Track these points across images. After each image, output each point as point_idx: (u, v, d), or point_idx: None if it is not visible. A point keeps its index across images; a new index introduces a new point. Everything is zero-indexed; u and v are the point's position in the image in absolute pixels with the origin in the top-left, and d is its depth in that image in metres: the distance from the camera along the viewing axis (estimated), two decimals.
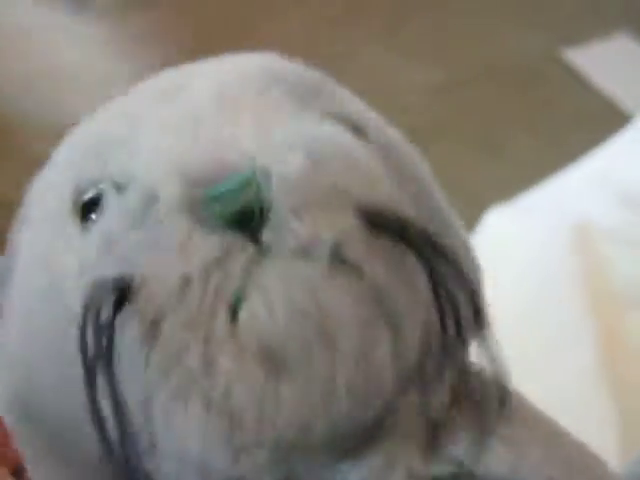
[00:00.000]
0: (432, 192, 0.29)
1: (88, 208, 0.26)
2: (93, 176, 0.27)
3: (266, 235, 0.24)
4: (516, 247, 0.55)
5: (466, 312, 0.26)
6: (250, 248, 0.24)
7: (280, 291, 0.23)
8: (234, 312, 0.23)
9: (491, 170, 1.21)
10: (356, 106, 0.30)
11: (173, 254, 0.24)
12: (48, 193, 0.28)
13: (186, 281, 0.23)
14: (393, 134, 0.30)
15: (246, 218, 0.24)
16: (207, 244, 0.24)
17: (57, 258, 0.26)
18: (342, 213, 0.25)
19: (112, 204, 0.25)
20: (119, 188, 0.25)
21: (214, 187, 0.24)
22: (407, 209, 0.26)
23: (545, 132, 1.37)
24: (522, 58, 1.55)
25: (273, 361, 0.23)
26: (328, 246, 0.24)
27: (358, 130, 0.28)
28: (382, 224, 0.25)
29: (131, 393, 0.24)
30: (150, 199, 0.24)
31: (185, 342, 0.23)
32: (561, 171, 0.68)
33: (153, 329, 0.23)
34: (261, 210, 0.24)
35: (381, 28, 1.45)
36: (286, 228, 0.24)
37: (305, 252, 0.24)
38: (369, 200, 0.25)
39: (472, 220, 0.57)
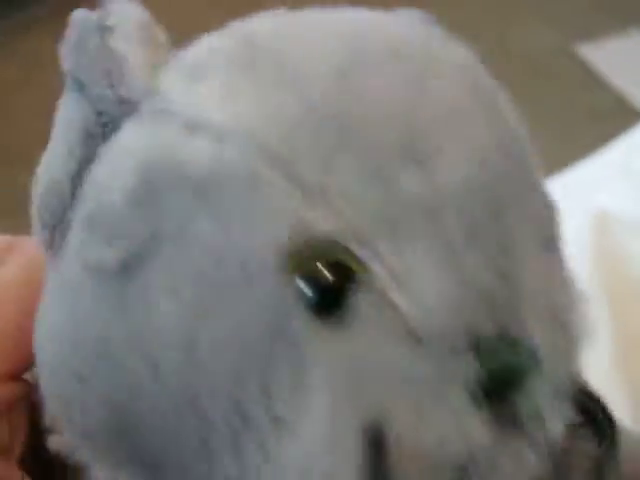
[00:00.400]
0: None
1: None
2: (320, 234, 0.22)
3: (520, 412, 0.23)
4: None
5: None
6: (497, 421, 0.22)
7: (508, 471, 0.23)
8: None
9: None
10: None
11: (443, 430, 0.22)
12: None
13: (444, 459, 0.22)
14: None
15: (505, 389, 0.22)
16: (478, 428, 0.22)
17: None
18: (567, 412, 0.24)
19: (374, 319, 0.22)
20: (370, 285, 0.22)
21: (493, 360, 0.22)
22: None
23: (557, 127, 1.36)
24: (536, 52, 1.54)
25: None
26: (549, 443, 0.23)
27: None
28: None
29: None
30: (440, 361, 0.22)
31: None
32: (574, 165, 0.67)
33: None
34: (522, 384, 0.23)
35: None
36: (534, 416, 0.23)
37: (532, 441, 0.23)
38: (578, 392, 0.24)
39: None
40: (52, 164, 0.25)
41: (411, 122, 0.23)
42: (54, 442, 0.27)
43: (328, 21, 0.26)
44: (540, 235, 0.24)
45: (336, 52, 0.24)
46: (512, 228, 0.23)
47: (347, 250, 0.21)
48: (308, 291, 0.21)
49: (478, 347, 0.22)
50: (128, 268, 0.23)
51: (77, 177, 0.24)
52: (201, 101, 0.23)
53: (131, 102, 0.24)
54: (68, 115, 0.25)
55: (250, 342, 0.22)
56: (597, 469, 0.27)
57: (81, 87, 0.24)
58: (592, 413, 0.26)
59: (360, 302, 0.21)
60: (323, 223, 0.21)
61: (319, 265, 0.21)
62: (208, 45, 0.25)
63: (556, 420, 0.23)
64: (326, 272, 0.21)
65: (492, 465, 0.22)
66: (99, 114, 0.24)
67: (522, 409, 0.22)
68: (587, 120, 1.40)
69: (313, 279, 0.21)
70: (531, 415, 0.23)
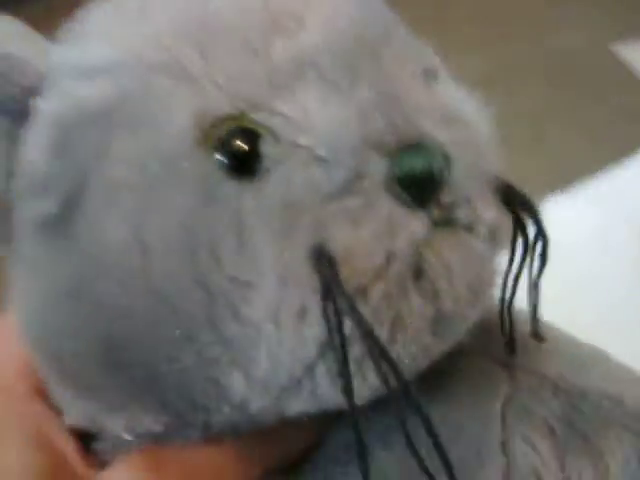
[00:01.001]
0: None
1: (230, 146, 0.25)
2: (221, 113, 0.26)
3: (444, 205, 0.25)
4: (573, 231, 0.55)
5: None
6: (428, 219, 0.25)
7: (458, 263, 0.25)
8: (419, 275, 0.25)
9: (538, 162, 1.20)
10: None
11: (379, 231, 0.24)
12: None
13: (391, 258, 0.24)
14: None
15: (426, 187, 0.25)
16: (411, 223, 0.25)
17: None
18: (495, 199, 0.27)
19: (287, 162, 0.25)
20: (276, 139, 0.25)
21: (407, 159, 0.25)
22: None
23: (593, 125, 1.35)
24: (573, 50, 1.53)
25: (441, 326, 0.25)
26: (488, 228, 0.26)
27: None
28: (510, 204, 0.27)
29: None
30: (351, 172, 0.25)
31: (381, 313, 0.25)
32: (609, 165, 0.67)
33: (355, 298, 0.24)
34: (437, 183, 0.25)
35: (429, 13, 1.43)
36: (457, 206, 0.25)
37: (470, 230, 0.26)
38: (502, 182, 0.27)
39: None
40: None
41: (270, 6, 0.27)
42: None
43: None
44: (418, 67, 0.27)
45: None
46: (390, 62, 0.26)
47: (246, 117, 0.25)
48: (226, 160, 0.25)
49: (387, 156, 0.25)
50: (67, 211, 0.26)
51: (10, 172, 0.27)
52: (85, 49, 0.27)
53: (34, 87, 0.27)
54: None
55: (188, 220, 0.25)
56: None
57: None
58: (517, 205, 0.28)
59: (272, 153, 0.25)
60: (219, 104, 0.25)
61: (228, 137, 0.25)
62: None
63: (485, 205, 0.26)
64: (236, 140, 0.25)
65: (440, 260, 0.25)
66: (15, 115, 0.27)
67: (449, 202, 0.25)
68: (623, 118, 1.39)
69: (227, 150, 0.25)
70: (459, 204, 0.25)
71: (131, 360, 0.26)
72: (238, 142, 0.25)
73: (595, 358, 0.32)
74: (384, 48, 0.27)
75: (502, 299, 0.29)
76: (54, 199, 0.26)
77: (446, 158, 0.25)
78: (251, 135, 0.25)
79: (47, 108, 0.27)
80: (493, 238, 0.26)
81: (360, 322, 0.24)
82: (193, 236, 0.25)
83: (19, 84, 0.27)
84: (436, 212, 0.25)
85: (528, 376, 0.30)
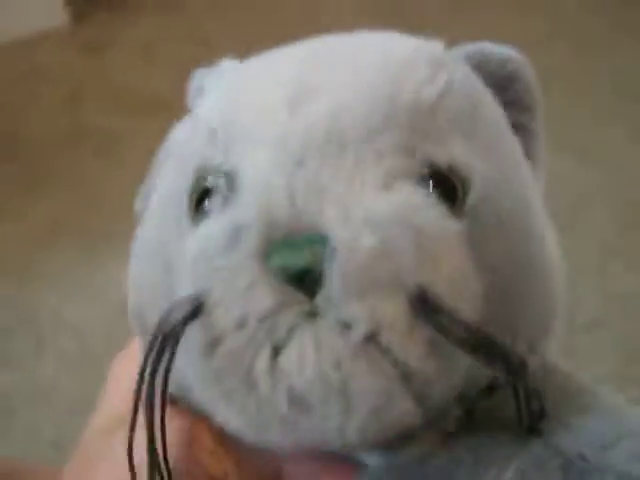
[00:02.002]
0: (526, 260, 0.30)
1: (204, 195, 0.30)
2: (214, 163, 0.30)
3: (318, 300, 0.27)
4: None
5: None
6: (302, 306, 0.27)
7: (311, 354, 0.27)
8: (277, 353, 0.27)
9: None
10: (469, 138, 0.30)
11: (241, 293, 0.27)
12: (184, 151, 0.32)
13: (245, 319, 0.27)
14: (505, 180, 0.30)
15: (305, 279, 0.27)
16: (268, 294, 0.27)
17: (169, 239, 0.31)
18: (390, 300, 0.26)
19: (216, 211, 0.29)
20: (231, 188, 0.29)
21: (286, 244, 0.27)
22: (467, 305, 0.27)
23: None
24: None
25: (297, 402, 0.27)
26: (363, 329, 0.26)
27: (460, 182, 0.29)
28: (428, 315, 0.27)
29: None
30: (239, 233, 0.28)
31: (233, 365, 0.27)
32: None
33: (213, 345, 0.28)
34: (320, 276, 0.27)
35: None
36: (334, 301, 0.27)
37: (345, 328, 0.27)
38: (426, 293, 0.27)
39: None
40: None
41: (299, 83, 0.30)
42: None
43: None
44: (387, 166, 0.28)
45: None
46: (351, 157, 0.28)
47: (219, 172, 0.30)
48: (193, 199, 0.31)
49: (273, 239, 0.27)
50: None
51: None
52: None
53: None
54: None
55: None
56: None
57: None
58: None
59: (213, 203, 0.29)
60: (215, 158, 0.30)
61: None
62: None
63: (357, 312, 0.26)
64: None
65: (295, 345, 0.27)
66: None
67: (321, 299, 0.27)
68: None
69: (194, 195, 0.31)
70: (326, 300, 0.27)
71: None
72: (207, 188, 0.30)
73: (626, 431, 0.30)
74: (362, 144, 0.29)
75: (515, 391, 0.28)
76: None
77: (331, 256, 0.26)
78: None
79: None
80: (377, 351, 0.26)
81: None
82: (160, 247, 0.32)
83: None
84: (313, 304, 0.27)
85: (545, 450, 0.29)
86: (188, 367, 0.29)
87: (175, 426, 0.31)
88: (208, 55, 0.37)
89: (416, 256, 0.27)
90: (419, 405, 0.28)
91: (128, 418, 0.29)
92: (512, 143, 0.32)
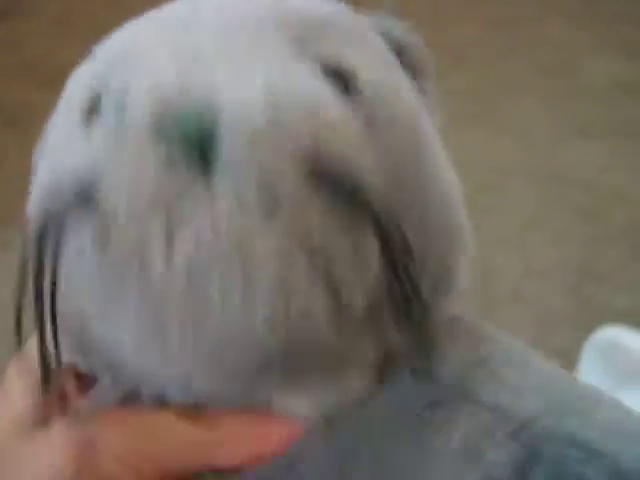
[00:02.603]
0: (417, 163, 0.29)
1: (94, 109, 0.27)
2: (103, 83, 0.27)
3: (211, 174, 0.25)
4: None
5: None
6: (195, 182, 0.25)
7: (207, 228, 0.25)
8: (171, 234, 0.25)
9: None
10: (360, 50, 0.29)
11: (133, 172, 0.25)
12: (76, 87, 0.29)
13: (136, 199, 0.25)
14: (394, 87, 0.29)
15: (198, 144, 0.25)
16: (158, 166, 0.25)
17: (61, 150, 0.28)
18: (283, 159, 0.25)
19: (104, 113, 0.26)
20: (116, 99, 0.26)
21: (178, 113, 0.25)
22: (368, 174, 0.26)
23: None
24: None
25: (197, 287, 0.25)
26: (261, 200, 0.25)
27: (347, 80, 0.28)
28: (327, 178, 0.25)
29: (71, 284, 0.27)
30: (123, 112, 0.26)
31: (128, 250, 0.25)
32: None
33: (104, 234, 0.26)
34: (212, 139, 0.25)
35: None
36: (229, 169, 0.25)
37: (239, 190, 0.25)
38: (319, 152, 0.25)
39: None
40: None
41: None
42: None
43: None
44: (276, 55, 0.27)
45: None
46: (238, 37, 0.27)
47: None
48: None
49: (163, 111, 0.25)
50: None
51: None
52: None
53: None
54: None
55: None
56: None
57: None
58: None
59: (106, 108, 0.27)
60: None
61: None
62: None
63: (253, 179, 0.25)
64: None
65: (189, 213, 0.25)
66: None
67: (210, 168, 0.25)
68: None
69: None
70: (220, 171, 0.25)
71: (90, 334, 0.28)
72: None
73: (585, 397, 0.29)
74: (252, 35, 0.27)
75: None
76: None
77: (225, 122, 0.25)
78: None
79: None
80: (269, 196, 0.25)
81: None
82: None
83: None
84: (207, 175, 0.25)
85: (491, 414, 0.28)
86: (78, 272, 0.27)
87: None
88: (124, 23, 0.35)
89: (310, 123, 0.25)
90: (328, 296, 0.26)
91: (35, 414, 0.28)
92: (401, 73, 0.31)
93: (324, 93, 0.26)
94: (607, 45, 1.52)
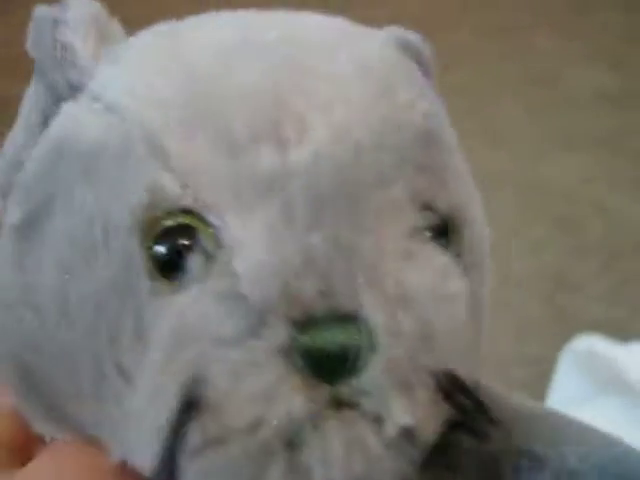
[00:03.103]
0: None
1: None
2: (171, 196, 0.24)
3: (343, 388, 0.23)
4: None
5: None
6: (323, 394, 0.23)
7: (340, 451, 0.23)
8: (293, 450, 0.23)
9: None
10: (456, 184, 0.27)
11: (261, 393, 0.22)
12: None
13: (261, 421, 0.22)
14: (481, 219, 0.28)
15: (338, 364, 0.23)
16: (294, 394, 0.22)
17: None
18: (426, 389, 0.23)
19: (203, 283, 0.23)
20: (207, 257, 0.24)
21: (320, 335, 0.22)
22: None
23: None
24: None
25: None
26: (401, 424, 0.23)
27: (458, 224, 0.26)
28: (454, 399, 0.24)
29: None
30: (254, 324, 0.23)
31: (239, 467, 0.23)
32: None
33: (215, 445, 0.23)
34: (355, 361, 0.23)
35: None
36: (371, 391, 0.23)
37: (376, 421, 0.23)
38: (454, 375, 0.24)
39: None
40: (15, 141, 0.28)
41: (278, 101, 0.24)
42: None
43: (243, 17, 0.28)
44: (405, 222, 0.25)
45: (224, 40, 0.26)
46: (368, 209, 0.24)
47: (193, 214, 0.24)
48: (160, 252, 0.24)
49: (303, 321, 0.22)
50: (28, 227, 0.26)
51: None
52: (107, 82, 0.26)
53: (78, 86, 0.26)
54: (32, 99, 0.28)
55: (104, 299, 0.24)
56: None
57: (42, 75, 0.27)
58: (466, 410, 0.24)
59: (197, 265, 0.23)
60: (176, 189, 0.24)
61: (164, 227, 0.24)
62: (134, 37, 0.28)
63: (398, 405, 0.23)
64: (176, 237, 0.24)
65: (321, 444, 0.23)
66: (56, 99, 0.27)
67: (353, 387, 0.23)
68: None
69: (158, 241, 0.24)
70: (368, 394, 0.23)
71: (37, 382, 0.27)
72: (178, 239, 0.24)
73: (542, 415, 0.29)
74: (377, 192, 0.24)
75: None
76: (21, 212, 0.27)
77: (371, 345, 0.23)
78: (188, 234, 0.24)
79: (59, 119, 0.27)
80: (405, 441, 0.23)
81: None
82: (103, 314, 0.25)
83: (66, 78, 0.27)
84: (339, 390, 0.23)
85: None
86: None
87: None
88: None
89: (447, 338, 0.24)
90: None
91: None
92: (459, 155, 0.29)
93: (459, 291, 0.25)
94: (595, 56, 1.52)
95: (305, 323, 0.22)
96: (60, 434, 0.28)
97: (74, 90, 0.27)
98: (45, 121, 0.27)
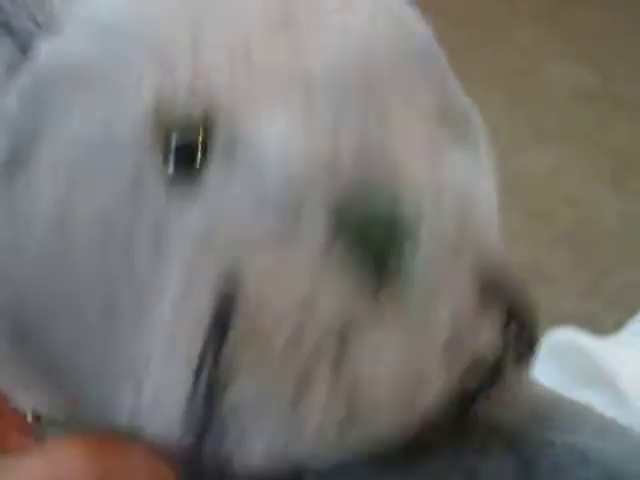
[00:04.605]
0: None
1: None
2: (179, 102, 0.23)
3: (389, 287, 0.22)
4: None
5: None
6: (368, 297, 0.21)
7: (391, 359, 0.21)
8: (341, 352, 0.21)
9: None
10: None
11: (298, 304, 0.21)
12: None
13: (302, 329, 0.21)
14: None
15: (381, 252, 0.21)
16: (336, 296, 0.21)
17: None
18: (466, 288, 0.22)
19: (228, 182, 0.22)
20: (227, 150, 0.22)
21: (363, 210, 0.21)
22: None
23: None
24: None
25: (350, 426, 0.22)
26: (449, 332, 0.22)
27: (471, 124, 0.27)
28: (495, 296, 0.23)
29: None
30: (289, 222, 0.21)
31: (281, 375, 0.21)
32: None
33: (253, 363, 0.21)
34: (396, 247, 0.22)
35: None
36: (413, 284, 0.22)
37: (425, 325, 0.22)
38: (492, 273, 0.23)
39: None
40: None
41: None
42: None
43: None
44: (431, 109, 0.24)
45: None
46: (395, 103, 0.23)
47: (207, 117, 0.22)
48: (166, 157, 0.22)
49: (342, 208, 0.21)
50: (13, 164, 0.24)
51: None
52: (98, 5, 0.25)
53: (49, 25, 0.25)
54: None
55: (114, 217, 0.23)
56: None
57: (5, 27, 0.25)
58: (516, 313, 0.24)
59: (216, 165, 0.22)
60: (186, 98, 0.22)
61: (176, 131, 0.22)
62: None
63: (446, 291, 0.22)
64: (181, 138, 0.22)
65: (370, 348, 0.21)
66: (23, 46, 0.25)
67: (396, 271, 0.21)
68: None
69: (170, 145, 0.22)
70: (408, 280, 0.22)
71: (35, 336, 0.25)
72: (191, 142, 0.22)
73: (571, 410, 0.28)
74: (396, 80, 0.24)
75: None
76: (6, 146, 0.25)
77: (418, 215, 0.22)
78: (203, 137, 0.22)
79: (41, 52, 0.25)
80: (452, 346, 0.22)
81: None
82: (111, 231, 0.23)
83: (34, 19, 0.25)
84: (384, 286, 0.21)
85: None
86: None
87: None
88: None
89: (486, 232, 0.23)
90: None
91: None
92: None
93: (491, 189, 0.25)
94: (572, 52, 1.53)
95: (345, 209, 0.21)
96: (52, 399, 0.26)
97: (44, 30, 0.25)
98: (11, 73, 0.25)
